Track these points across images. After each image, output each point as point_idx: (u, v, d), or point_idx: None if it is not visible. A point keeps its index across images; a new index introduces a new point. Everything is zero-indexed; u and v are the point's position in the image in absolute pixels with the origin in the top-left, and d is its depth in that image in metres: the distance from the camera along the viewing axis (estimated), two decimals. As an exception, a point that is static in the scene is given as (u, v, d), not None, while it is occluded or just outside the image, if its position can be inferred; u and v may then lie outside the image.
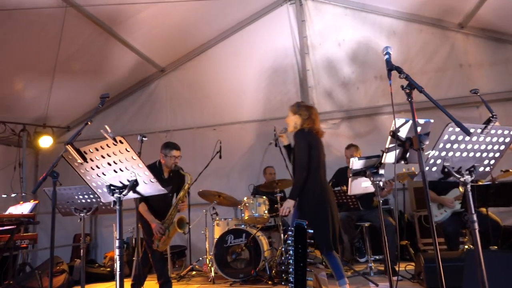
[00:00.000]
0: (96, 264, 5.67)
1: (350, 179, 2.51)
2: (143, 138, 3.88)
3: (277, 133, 3.54)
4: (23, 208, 4.05)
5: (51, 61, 5.26)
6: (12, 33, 4.68)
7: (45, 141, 6.41)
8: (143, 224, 3.98)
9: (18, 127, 6.47)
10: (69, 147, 2.04)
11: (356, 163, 2.43)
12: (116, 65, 6.31)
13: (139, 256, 3.80)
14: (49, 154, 6.89)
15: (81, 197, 3.31)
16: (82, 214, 3.38)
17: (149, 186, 2.13)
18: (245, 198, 4.88)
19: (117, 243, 2.10)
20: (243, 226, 4.83)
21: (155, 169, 4.11)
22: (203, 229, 5.11)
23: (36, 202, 4.11)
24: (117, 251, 2.09)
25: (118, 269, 2.07)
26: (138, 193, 2.18)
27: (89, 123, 2.58)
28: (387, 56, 2.11)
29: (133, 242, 5.72)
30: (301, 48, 6.53)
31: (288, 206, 3.19)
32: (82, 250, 3.38)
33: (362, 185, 2.52)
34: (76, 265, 5.13)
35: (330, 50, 6.48)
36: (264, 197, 4.88)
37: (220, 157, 5.45)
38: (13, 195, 4.59)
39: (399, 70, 2.04)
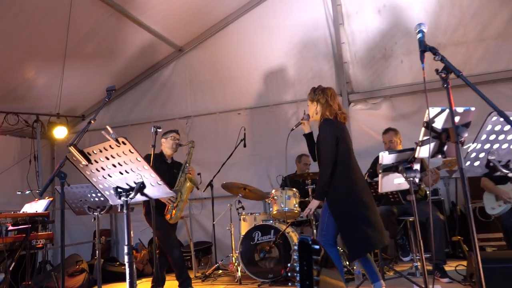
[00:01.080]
0: (117, 263, 5.86)
1: (380, 175, 2.49)
2: (158, 130, 3.98)
3: (299, 119, 3.56)
4: (38, 206, 4.24)
5: (61, 46, 5.40)
6: (18, 20, 4.86)
7: (60, 132, 6.64)
8: (152, 220, 4.17)
9: (32, 117, 6.72)
10: (72, 149, 2.12)
11: (386, 158, 2.40)
12: (129, 46, 6.42)
13: (156, 258, 3.97)
14: (64, 145, 7.16)
15: (93, 195, 3.42)
16: (96, 213, 3.51)
17: (156, 188, 2.18)
18: (273, 191, 4.88)
19: (125, 249, 2.16)
20: (271, 221, 4.85)
21: (157, 157, 4.35)
22: (228, 224, 5.16)
23: (51, 199, 4.31)
24: (126, 258, 2.16)
25: (128, 277, 2.17)
26: (146, 195, 2.24)
27: (92, 121, 2.68)
28: (420, 35, 2.06)
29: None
30: (335, 18, 6.40)
31: (311, 207, 3.22)
32: (97, 251, 3.55)
33: (395, 182, 2.50)
34: (97, 264, 5.34)
35: (369, 19, 6.31)
36: (294, 189, 4.87)
37: (245, 145, 5.44)
38: (27, 192, 4.82)
39: (434, 51, 1.99)
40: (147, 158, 4.10)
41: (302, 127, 3.60)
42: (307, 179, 4.95)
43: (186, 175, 4.30)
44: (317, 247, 1.61)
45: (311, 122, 3.56)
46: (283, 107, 6.56)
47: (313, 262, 1.53)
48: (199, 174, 5.20)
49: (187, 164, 4.36)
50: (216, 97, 6.89)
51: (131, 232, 5.29)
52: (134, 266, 2.29)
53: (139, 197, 2.23)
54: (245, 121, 6.56)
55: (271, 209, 4.83)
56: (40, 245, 3.96)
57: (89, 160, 2.15)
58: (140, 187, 2.15)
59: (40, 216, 3.85)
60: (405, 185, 2.47)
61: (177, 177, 4.34)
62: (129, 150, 2.03)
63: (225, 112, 6.81)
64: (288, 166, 6.10)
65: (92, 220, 3.51)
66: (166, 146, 4.49)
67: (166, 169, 4.39)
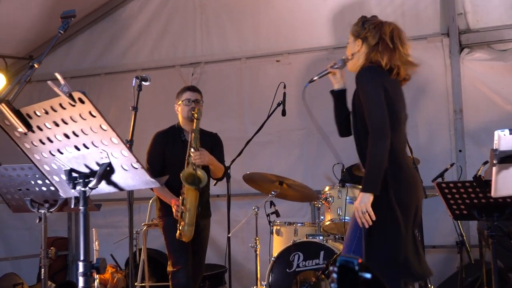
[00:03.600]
0: (76, 290, 5.76)
1: (494, 169, 2.44)
2: (143, 82, 4.07)
3: (327, 67, 3.62)
4: None
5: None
6: None
7: (-8, 80, 6.77)
8: (163, 222, 4.49)
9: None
10: (3, 107, 2.11)
11: (507, 140, 2.34)
12: None
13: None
14: (2, 102, 7.12)
15: (39, 182, 3.43)
16: (42, 211, 3.54)
17: (130, 174, 2.19)
18: (326, 188, 4.93)
19: (80, 268, 2.17)
20: (321, 238, 4.83)
21: (170, 132, 4.62)
22: (252, 239, 5.14)
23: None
24: (80, 282, 2.18)
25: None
26: (115, 185, 2.27)
27: (36, 65, 2.71)
28: None
29: (138, 255, 5.84)
30: None
31: (365, 204, 3.15)
32: (42, 269, 3.59)
33: None
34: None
35: None
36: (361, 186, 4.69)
37: (284, 113, 5.25)
38: None
39: None
40: (162, 135, 4.62)
41: (330, 78, 3.67)
42: None
43: (186, 168, 4.37)
44: (368, 275, 1.62)
45: (346, 73, 3.62)
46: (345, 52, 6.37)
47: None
48: (228, 168, 4.96)
49: (191, 149, 4.41)
50: (242, 32, 6.89)
51: (96, 243, 4.99)
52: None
53: (105, 187, 2.26)
54: (287, 74, 6.44)
55: (322, 217, 4.91)
56: None
57: (29, 126, 2.16)
58: (106, 172, 2.17)
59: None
60: None
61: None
62: (90, 113, 2.02)
63: (256, 58, 6.82)
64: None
65: (37, 221, 3.58)
66: (181, 113, 4.68)
67: (181, 149, 4.53)
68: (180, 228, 4.35)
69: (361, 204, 3.13)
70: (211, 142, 4.77)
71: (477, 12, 6.06)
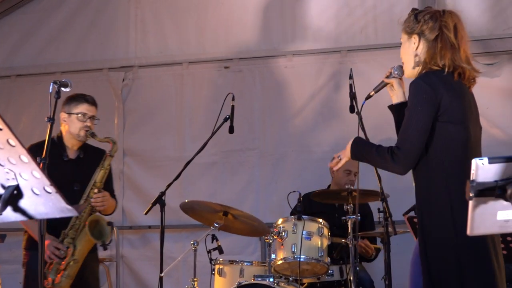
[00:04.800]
0: None
1: (470, 203, 2.40)
2: (62, 88, 3.99)
3: (383, 78, 3.55)
4: None
5: None
6: None
7: None
8: (27, 257, 4.39)
9: None
10: None
11: (485, 169, 2.34)
12: None
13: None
14: None
15: None
16: None
17: (42, 200, 2.16)
18: (279, 221, 4.90)
19: None
20: (271, 280, 4.73)
21: (51, 147, 4.29)
22: (189, 280, 5.01)
23: None
24: None
25: None
26: (23, 212, 2.21)
27: None
28: None
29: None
30: None
31: (343, 155, 3.44)
32: None
33: (498, 217, 2.44)
34: None
35: None
36: (321, 220, 4.88)
37: (232, 130, 5.22)
38: None
39: None
40: (35, 149, 4.14)
41: (388, 90, 3.56)
42: (347, 202, 4.97)
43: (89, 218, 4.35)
44: None
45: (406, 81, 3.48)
46: (312, 59, 6.58)
47: None
48: (109, 224, 4.95)
49: (94, 190, 4.42)
50: (185, 31, 6.92)
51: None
52: None
53: (11, 215, 2.21)
54: (237, 83, 6.56)
55: (273, 255, 4.83)
56: None
57: None
58: (13, 196, 2.13)
59: None
60: None
61: (79, 193, 4.50)
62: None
63: (200, 63, 6.87)
64: (320, 173, 6.08)
65: None
66: (69, 128, 4.53)
67: (61, 172, 4.41)
68: (53, 276, 4.24)
69: (342, 153, 3.41)
70: (99, 162, 4.69)
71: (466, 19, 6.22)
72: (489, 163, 2.36)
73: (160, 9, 6.95)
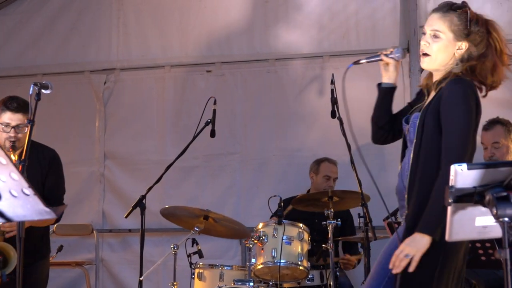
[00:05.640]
0: None
1: (449, 209, 2.42)
2: (43, 90, 3.97)
3: (381, 52, 3.44)
4: None
5: None
6: None
7: None
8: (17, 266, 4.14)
9: None
10: None
11: (463, 176, 2.36)
12: None
13: None
14: None
15: None
16: None
17: (20, 202, 2.15)
18: (259, 225, 4.88)
19: None
20: (251, 284, 4.78)
21: None
22: (169, 284, 5.02)
23: None
24: None
25: None
26: (1, 214, 2.19)
27: None
28: None
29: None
30: None
31: (417, 249, 2.98)
32: None
33: (477, 223, 2.46)
34: None
35: None
36: (302, 224, 4.88)
37: (213, 134, 5.25)
38: None
39: None
40: None
41: (381, 68, 3.47)
42: (327, 207, 4.94)
43: None
44: None
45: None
46: (295, 64, 6.59)
47: None
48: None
49: None
50: (167, 35, 6.90)
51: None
52: None
53: None
54: (219, 87, 6.55)
55: (253, 260, 4.85)
56: None
57: None
58: None
59: None
60: (496, 231, 2.38)
61: None
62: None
63: (182, 67, 6.84)
64: (299, 178, 6.04)
65: None
66: None
67: None
68: None
69: (412, 247, 2.96)
70: (47, 163, 4.55)
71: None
72: (468, 169, 2.37)
73: (142, 12, 6.92)
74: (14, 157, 4.07)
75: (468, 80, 3.12)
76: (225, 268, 5.02)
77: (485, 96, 3.17)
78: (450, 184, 2.41)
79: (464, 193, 2.37)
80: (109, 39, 6.96)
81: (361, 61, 3.57)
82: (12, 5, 7.15)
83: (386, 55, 3.38)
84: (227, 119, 6.35)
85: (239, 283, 4.77)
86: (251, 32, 6.65)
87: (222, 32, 6.72)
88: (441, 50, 3.16)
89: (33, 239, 4.35)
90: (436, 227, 2.94)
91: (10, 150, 4.18)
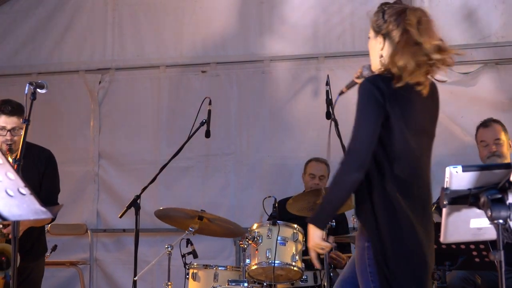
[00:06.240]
0: None
1: (444, 210, 2.46)
2: (38, 90, 3.99)
3: (354, 79, 3.53)
4: None
5: None
6: None
7: None
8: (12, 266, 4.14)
9: None
10: None
11: (458, 178, 2.38)
12: None
13: None
14: None
15: None
16: None
17: (16, 201, 2.12)
18: (254, 226, 4.87)
19: None
20: (245, 284, 4.76)
21: None
22: (163, 284, 5.03)
23: None
24: None
25: None
26: None
27: None
28: None
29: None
30: None
31: (314, 243, 3.19)
32: None
33: (471, 225, 2.48)
34: None
35: None
36: (296, 225, 4.87)
37: (208, 134, 5.27)
38: None
39: None
40: None
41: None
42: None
43: None
44: None
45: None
46: (290, 65, 6.57)
47: None
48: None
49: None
50: (162, 35, 6.90)
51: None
52: None
53: None
54: (214, 88, 6.55)
55: (248, 260, 4.84)
56: None
57: None
58: None
59: None
60: (490, 233, 2.42)
61: None
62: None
63: (177, 67, 6.83)
64: (293, 177, 6.11)
65: None
66: None
67: None
68: None
69: (312, 244, 3.16)
70: (43, 164, 4.60)
71: (437, 28, 6.23)
72: (463, 171, 2.39)
73: (137, 12, 6.91)
74: (10, 159, 4.02)
75: (367, 80, 3.18)
76: (220, 268, 5.01)
77: (400, 84, 3.08)
78: (445, 186, 2.42)
79: (459, 195, 2.38)
80: (104, 39, 6.95)
81: (344, 90, 3.66)
82: (7, 4, 7.14)
83: (358, 77, 3.44)
84: (222, 120, 6.35)
85: (233, 284, 4.75)
86: (246, 32, 6.65)
87: (217, 33, 6.72)
88: (371, 48, 3.25)
89: (31, 239, 4.41)
90: (319, 217, 3.21)
91: (7, 153, 4.19)
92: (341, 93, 3.67)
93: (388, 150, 3.09)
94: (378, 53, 3.19)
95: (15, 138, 4.24)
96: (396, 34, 3.10)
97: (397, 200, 3.02)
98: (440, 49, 3.14)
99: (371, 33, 3.24)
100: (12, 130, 4.26)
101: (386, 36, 3.14)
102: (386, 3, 3.24)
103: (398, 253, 3.03)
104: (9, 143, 4.26)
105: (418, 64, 3.06)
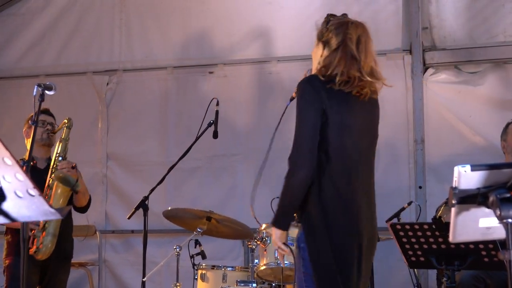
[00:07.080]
0: None
1: (453, 210, 2.43)
2: (46, 91, 3.99)
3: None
4: None
5: None
6: None
7: None
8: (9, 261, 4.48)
9: None
10: None
11: (466, 177, 2.34)
12: None
13: None
14: None
15: None
16: None
17: (25, 203, 2.12)
18: (262, 226, 4.88)
19: None
20: (254, 285, 4.81)
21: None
22: (172, 285, 5.07)
23: None
24: None
25: None
26: (6, 215, 2.16)
27: None
28: None
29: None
30: None
31: (276, 241, 3.38)
32: None
33: (480, 224, 2.44)
34: None
35: None
36: None
37: (216, 135, 5.26)
38: None
39: None
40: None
41: None
42: None
43: (54, 174, 4.53)
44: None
45: None
46: (297, 66, 6.42)
47: None
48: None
49: (59, 158, 4.67)
50: (170, 36, 6.90)
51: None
52: None
53: None
54: (222, 88, 6.52)
55: (256, 261, 4.87)
56: None
57: None
58: None
59: None
60: (500, 232, 2.37)
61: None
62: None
63: (185, 68, 6.83)
64: None
65: None
66: (29, 138, 4.47)
67: (37, 180, 4.45)
68: (40, 240, 4.33)
69: (274, 245, 3.38)
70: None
71: (445, 28, 6.16)
72: (472, 170, 2.37)
73: (145, 13, 6.91)
74: (62, 135, 4.72)
75: (310, 78, 3.32)
76: (228, 269, 5.01)
77: (346, 90, 3.20)
78: (454, 186, 2.41)
79: (467, 194, 2.37)
80: (111, 41, 6.97)
81: (294, 96, 3.73)
82: (14, 6, 7.16)
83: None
84: (230, 120, 6.37)
85: (242, 284, 4.77)
86: (254, 33, 6.64)
87: (224, 33, 6.71)
88: (313, 55, 3.46)
89: (64, 241, 4.67)
90: (279, 220, 3.34)
91: (50, 144, 4.84)
92: (292, 98, 3.77)
93: (325, 145, 3.25)
94: (318, 59, 3.35)
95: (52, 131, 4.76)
96: (334, 42, 3.24)
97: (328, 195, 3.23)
98: (372, 73, 3.26)
99: (315, 41, 3.42)
100: (49, 124, 4.75)
101: (325, 43, 3.30)
102: (332, 15, 3.42)
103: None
104: (48, 132, 4.72)
105: (350, 77, 3.18)
